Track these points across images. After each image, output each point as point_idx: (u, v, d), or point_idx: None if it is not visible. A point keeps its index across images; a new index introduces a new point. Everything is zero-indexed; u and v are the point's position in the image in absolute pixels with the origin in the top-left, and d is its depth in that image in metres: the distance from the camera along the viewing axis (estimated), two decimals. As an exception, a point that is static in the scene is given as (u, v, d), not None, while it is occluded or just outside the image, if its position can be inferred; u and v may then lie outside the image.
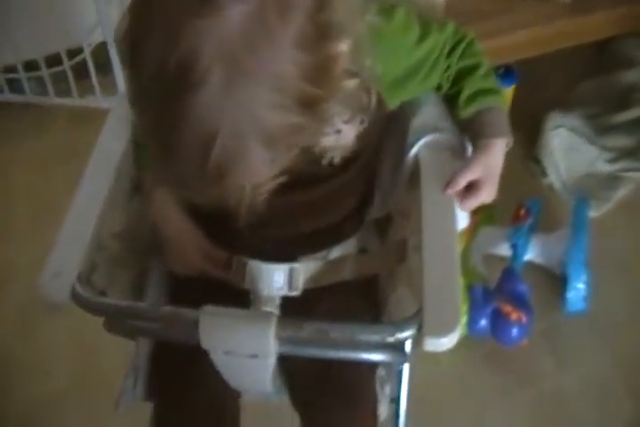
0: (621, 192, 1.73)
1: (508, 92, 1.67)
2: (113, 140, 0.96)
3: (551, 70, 1.91)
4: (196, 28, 0.57)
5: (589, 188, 1.74)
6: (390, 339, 0.76)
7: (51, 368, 1.50)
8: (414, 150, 0.92)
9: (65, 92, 1.94)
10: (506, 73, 1.68)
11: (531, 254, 1.58)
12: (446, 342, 0.75)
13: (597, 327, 1.52)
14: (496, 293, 1.44)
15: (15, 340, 1.54)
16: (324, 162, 0.86)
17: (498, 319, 1.41)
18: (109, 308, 0.84)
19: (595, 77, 1.91)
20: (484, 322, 1.42)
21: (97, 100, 1.93)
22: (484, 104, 0.91)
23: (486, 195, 0.88)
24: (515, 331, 1.41)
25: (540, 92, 1.86)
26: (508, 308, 1.40)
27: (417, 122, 0.94)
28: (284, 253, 0.96)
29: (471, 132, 0.92)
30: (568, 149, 1.75)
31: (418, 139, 0.92)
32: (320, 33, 0.61)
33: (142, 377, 0.96)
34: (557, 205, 1.70)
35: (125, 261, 0.96)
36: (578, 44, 1.61)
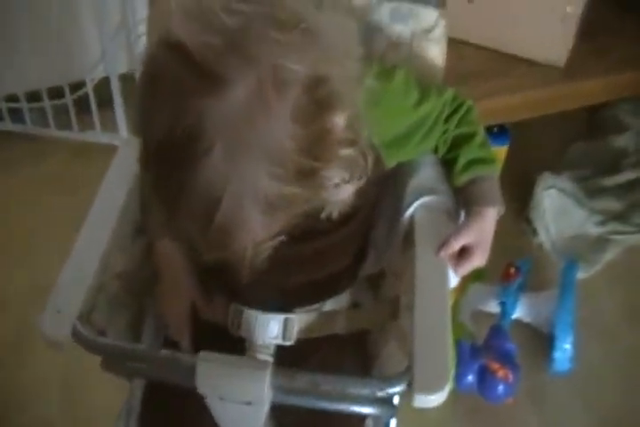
0: (609, 255, 1.76)
1: (502, 151, 1.71)
2: (118, 181, 0.98)
3: (544, 132, 1.95)
4: (201, 105, 0.61)
5: (578, 249, 1.77)
6: (380, 393, 0.78)
7: (40, 397, 1.49)
8: (410, 211, 0.94)
9: (65, 124, 1.96)
10: (499, 133, 1.71)
11: (519, 313, 1.59)
12: (435, 400, 0.77)
13: (581, 388, 1.53)
14: (484, 349, 1.45)
15: (6, 369, 1.54)
16: (323, 216, 0.88)
17: (485, 376, 1.42)
18: (109, 348, 0.85)
19: (586, 141, 1.96)
20: (470, 378, 1.42)
21: (96, 135, 1.95)
22: (479, 173, 0.93)
23: (478, 260, 0.91)
24: (501, 388, 1.41)
25: (532, 152, 1.90)
26: (495, 365, 1.41)
27: (414, 183, 0.96)
28: (279, 303, 0.97)
29: (465, 199, 0.94)
30: (559, 210, 1.79)
31: (414, 200, 0.94)
32: (317, 106, 0.64)
33: (135, 419, 0.97)
34: (547, 264, 1.73)
35: (124, 302, 0.97)
36: (570, 108, 1.66)
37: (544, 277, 1.69)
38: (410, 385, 0.77)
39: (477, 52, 1.58)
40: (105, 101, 1.91)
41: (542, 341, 1.55)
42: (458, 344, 1.44)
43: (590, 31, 1.56)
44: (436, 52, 0.97)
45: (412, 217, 0.94)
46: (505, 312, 1.56)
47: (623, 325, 1.65)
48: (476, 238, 0.90)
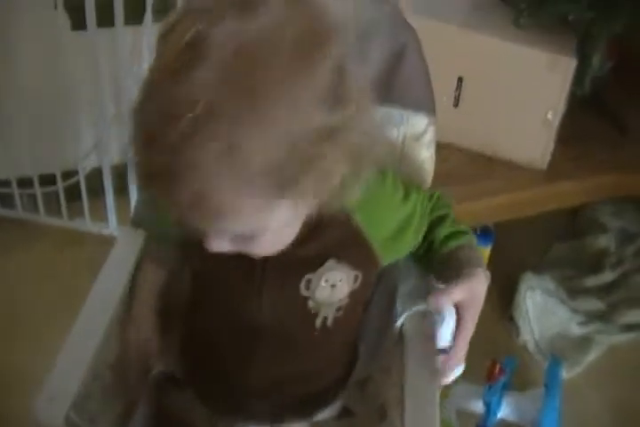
0: (593, 355, 1.77)
1: (485, 252, 1.74)
2: (117, 271, 1.00)
3: (527, 232, 1.98)
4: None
5: (561, 349, 1.77)
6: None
7: None
8: (400, 321, 0.95)
9: (55, 211, 1.96)
10: (483, 234, 1.75)
11: (503, 412, 1.58)
12: None
13: None
14: (469, 450, 1.43)
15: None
16: (318, 323, 0.89)
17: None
18: None
19: (568, 240, 1.99)
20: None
21: (85, 224, 1.96)
22: (460, 243, 0.94)
23: (470, 323, 0.89)
24: (485, 491, 1.39)
25: (515, 252, 1.93)
26: (480, 466, 1.39)
27: (403, 290, 0.98)
28: (270, 414, 0.98)
29: (450, 267, 0.92)
30: (541, 310, 1.80)
31: (404, 309, 0.95)
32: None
33: None
34: (531, 363, 1.73)
35: (116, 392, 0.97)
36: (552, 209, 1.70)
37: (528, 376, 1.69)
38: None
39: (461, 155, 1.64)
40: (95, 191, 1.93)
41: (528, 442, 1.53)
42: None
43: (570, 136, 1.63)
44: (425, 156, 1.00)
45: (402, 327, 0.95)
46: (490, 412, 1.54)
47: (608, 425, 1.64)
48: (467, 296, 0.88)
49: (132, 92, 1.76)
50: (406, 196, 0.92)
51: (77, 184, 1.91)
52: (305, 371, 0.95)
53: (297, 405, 0.98)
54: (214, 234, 0.72)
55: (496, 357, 1.63)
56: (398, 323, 0.95)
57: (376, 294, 1.00)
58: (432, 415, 0.84)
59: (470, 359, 0.92)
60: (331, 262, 0.85)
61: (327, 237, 0.83)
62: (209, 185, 0.62)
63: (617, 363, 1.76)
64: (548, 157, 1.63)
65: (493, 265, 1.59)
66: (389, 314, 0.97)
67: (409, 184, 0.94)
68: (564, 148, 1.63)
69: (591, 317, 1.81)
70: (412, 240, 0.93)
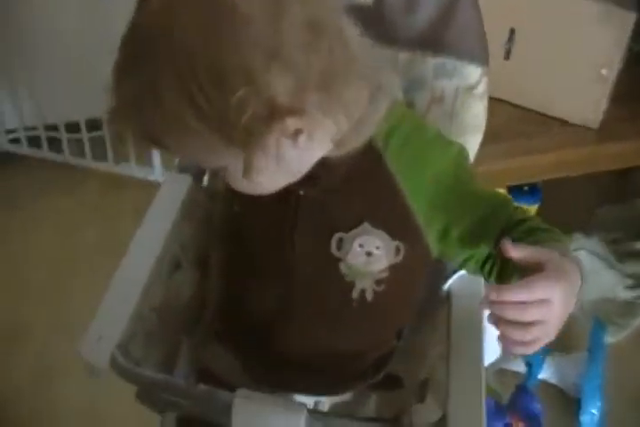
0: (638, 320, 1.73)
1: (532, 210, 1.71)
2: (163, 213, 0.99)
3: (575, 192, 1.95)
4: None
5: (606, 313, 1.74)
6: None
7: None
8: (449, 282, 0.92)
9: (101, 156, 1.98)
10: (531, 191, 1.72)
11: (545, 373, 1.56)
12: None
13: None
14: (509, 408, 1.42)
15: (27, 399, 1.54)
16: (355, 295, 0.85)
17: (509, 436, 1.39)
18: (147, 380, 0.84)
19: (618, 203, 1.95)
20: (494, 437, 1.39)
21: (130, 169, 1.97)
22: (554, 238, 0.77)
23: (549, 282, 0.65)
24: (525, 450, 1.38)
25: (562, 212, 1.87)
26: (520, 425, 1.38)
27: None
28: (306, 387, 0.93)
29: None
30: (588, 271, 1.76)
31: (452, 271, 0.92)
32: None
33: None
34: (575, 326, 1.70)
35: (160, 335, 0.96)
36: (602, 169, 1.66)
37: (571, 339, 1.66)
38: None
39: (510, 110, 1.59)
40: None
41: (569, 403, 1.52)
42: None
43: (625, 94, 1.58)
44: (478, 109, 0.97)
45: (449, 290, 0.93)
46: (531, 372, 1.53)
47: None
48: (552, 262, 0.67)
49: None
50: (470, 178, 0.83)
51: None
52: (345, 350, 0.90)
53: (336, 382, 0.94)
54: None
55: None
56: (447, 284, 0.93)
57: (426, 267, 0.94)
58: (477, 374, 0.83)
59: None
60: (366, 226, 0.81)
61: (363, 196, 0.81)
62: None
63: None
64: (600, 116, 1.57)
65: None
66: (438, 276, 0.94)
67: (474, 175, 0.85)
68: (618, 107, 1.57)
69: (639, 281, 1.78)
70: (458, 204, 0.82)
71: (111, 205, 1.93)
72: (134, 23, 0.68)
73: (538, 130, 1.57)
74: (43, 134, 1.99)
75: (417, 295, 0.93)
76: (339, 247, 0.82)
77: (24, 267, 1.81)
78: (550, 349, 1.58)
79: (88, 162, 2.01)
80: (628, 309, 1.75)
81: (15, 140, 2.02)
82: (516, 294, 0.64)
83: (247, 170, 0.68)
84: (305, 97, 0.67)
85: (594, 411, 1.46)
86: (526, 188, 1.69)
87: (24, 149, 2.02)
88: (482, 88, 0.96)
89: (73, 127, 1.95)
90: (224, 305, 0.97)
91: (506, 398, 1.48)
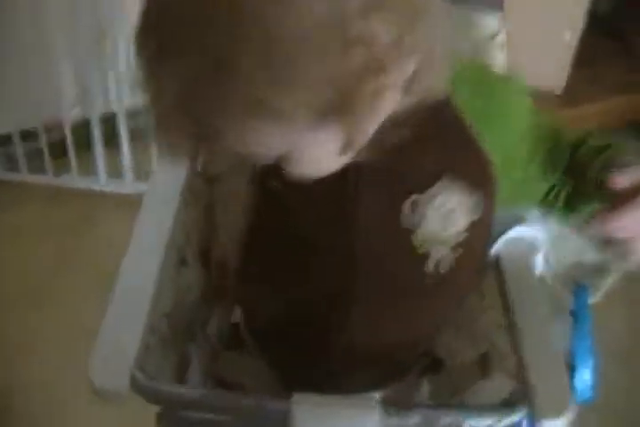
0: (611, 280, 1.75)
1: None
2: (159, 205, 0.88)
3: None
4: None
5: (580, 277, 1.75)
6: (500, 424, 0.72)
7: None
8: (497, 246, 0.86)
9: (39, 169, 1.89)
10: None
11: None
12: (559, 424, 0.73)
13: (598, 417, 1.48)
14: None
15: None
16: (430, 267, 0.75)
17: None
18: (177, 397, 0.72)
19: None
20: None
21: (72, 180, 1.88)
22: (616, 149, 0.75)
23: None
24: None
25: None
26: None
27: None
28: (354, 387, 0.84)
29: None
30: (557, 237, 1.77)
31: (500, 231, 0.86)
32: None
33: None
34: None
35: (172, 344, 0.86)
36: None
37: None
38: (530, 411, 0.72)
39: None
40: (80, 145, 1.85)
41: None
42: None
43: (588, 58, 1.59)
44: (500, 59, 0.93)
45: (497, 254, 0.87)
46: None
47: (633, 351, 1.64)
48: None
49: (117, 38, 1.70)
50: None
51: (60, 139, 1.84)
52: (410, 336, 0.83)
53: (394, 371, 0.88)
54: None
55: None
56: (495, 248, 0.86)
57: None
58: (548, 338, 0.85)
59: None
60: (444, 181, 0.71)
61: (435, 149, 0.71)
62: None
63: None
64: (564, 81, 1.59)
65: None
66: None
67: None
68: (581, 70, 1.59)
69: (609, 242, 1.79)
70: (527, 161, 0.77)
71: (58, 217, 1.80)
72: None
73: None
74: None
75: (487, 258, 0.86)
76: (412, 211, 0.71)
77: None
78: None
79: (24, 176, 1.91)
80: (598, 270, 1.77)
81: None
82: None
83: (351, 140, 0.58)
84: (404, 43, 0.55)
85: (586, 377, 1.46)
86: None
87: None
88: (501, 38, 0.93)
89: (4, 139, 1.86)
90: (254, 302, 0.89)
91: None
